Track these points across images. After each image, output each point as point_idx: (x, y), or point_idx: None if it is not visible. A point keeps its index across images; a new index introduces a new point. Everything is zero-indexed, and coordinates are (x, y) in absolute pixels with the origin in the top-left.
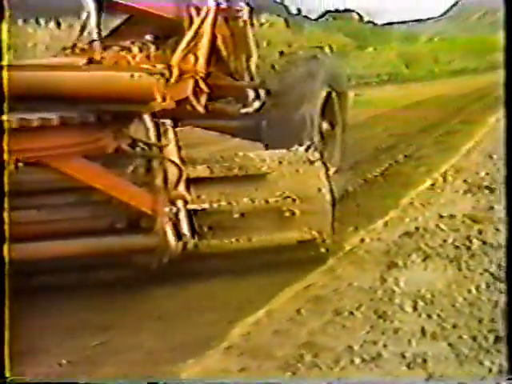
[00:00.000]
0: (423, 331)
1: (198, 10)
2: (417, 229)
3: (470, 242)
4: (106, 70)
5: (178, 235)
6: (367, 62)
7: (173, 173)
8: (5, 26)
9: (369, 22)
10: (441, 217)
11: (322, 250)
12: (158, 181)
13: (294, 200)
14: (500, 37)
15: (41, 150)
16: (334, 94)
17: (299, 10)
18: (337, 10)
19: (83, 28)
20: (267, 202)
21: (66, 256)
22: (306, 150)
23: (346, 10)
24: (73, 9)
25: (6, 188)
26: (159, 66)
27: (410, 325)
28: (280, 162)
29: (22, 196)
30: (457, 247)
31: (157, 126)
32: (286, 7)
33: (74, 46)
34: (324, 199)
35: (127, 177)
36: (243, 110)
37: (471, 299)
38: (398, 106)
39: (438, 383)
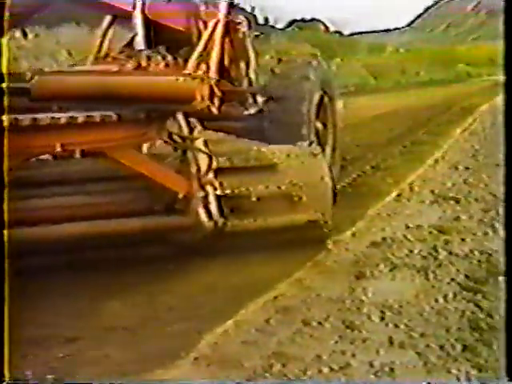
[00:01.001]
0: (391, 340)
1: (205, 23)
2: (384, 239)
3: (437, 252)
4: (154, 75)
5: (209, 216)
6: (334, 72)
7: (203, 162)
8: (4, 40)
9: (335, 32)
10: (408, 227)
11: (325, 230)
12: (192, 169)
13: (300, 187)
14: (463, 49)
15: (102, 142)
16: (326, 98)
17: (266, 20)
18: (303, 20)
19: (104, 36)
20: (279, 188)
21: (114, 234)
22: (310, 144)
23: (313, 20)
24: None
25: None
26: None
27: (378, 334)
28: (288, 155)
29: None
30: (424, 257)
31: (188, 123)
32: (254, 16)
33: (107, 55)
34: (326, 186)
35: (167, 165)
36: (246, 112)
37: (439, 308)
38: (365, 116)
39: None
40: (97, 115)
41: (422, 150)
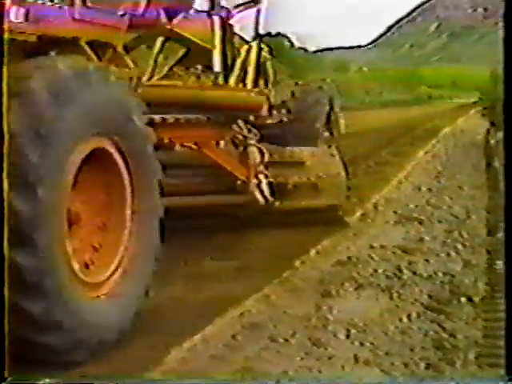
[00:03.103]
0: (356, 358)
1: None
2: (349, 258)
3: (401, 272)
4: (230, 90)
5: (263, 196)
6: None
7: (257, 156)
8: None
9: (300, 48)
10: (372, 247)
11: (340, 213)
12: (251, 160)
13: (323, 179)
14: (426, 70)
15: (196, 138)
16: (332, 113)
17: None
18: (269, 34)
19: (156, 58)
20: (308, 178)
21: (192, 207)
22: (328, 147)
23: (278, 34)
24: None
25: None
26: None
27: (343, 351)
28: (313, 155)
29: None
30: (388, 277)
31: (246, 125)
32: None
33: (174, 73)
34: (342, 179)
35: (233, 157)
36: (268, 121)
37: (403, 328)
38: None
39: None
40: (193, 117)
41: (385, 170)
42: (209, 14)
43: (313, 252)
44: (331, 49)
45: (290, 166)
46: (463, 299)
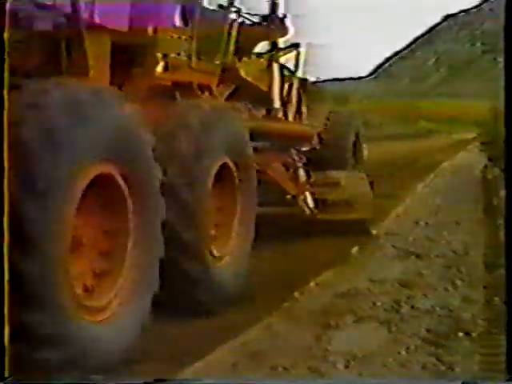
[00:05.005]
0: None
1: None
2: (349, 291)
3: (400, 306)
4: (288, 124)
5: (308, 208)
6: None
7: (304, 176)
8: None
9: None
10: (371, 280)
11: (367, 225)
12: (299, 180)
13: (355, 197)
14: (425, 104)
15: (260, 160)
16: (357, 141)
17: None
18: None
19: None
20: (343, 196)
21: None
22: (359, 171)
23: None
24: None
25: None
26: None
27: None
28: (346, 177)
29: None
30: (387, 310)
31: (298, 152)
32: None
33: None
34: (369, 198)
35: (287, 177)
36: (304, 148)
37: (401, 360)
38: None
39: None
40: (259, 144)
41: (384, 203)
42: (270, 61)
43: (312, 284)
44: (331, 80)
45: (329, 185)
46: (461, 334)
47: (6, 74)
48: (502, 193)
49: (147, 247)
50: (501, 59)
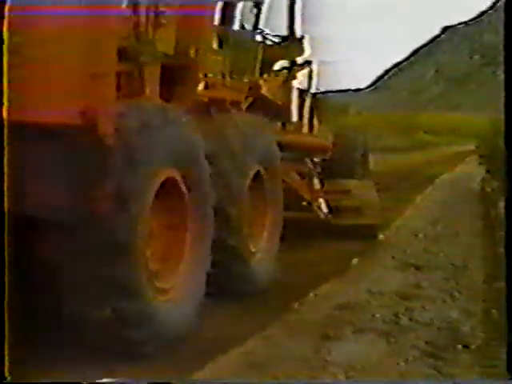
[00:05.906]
0: None
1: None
2: (348, 302)
3: (399, 318)
4: (305, 136)
5: (323, 214)
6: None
7: (318, 183)
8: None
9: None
10: (370, 292)
11: (376, 229)
12: (314, 187)
13: (364, 203)
14: (424, 116)
15: (284, 169)
16: (364, 155)
17: None
18: None
19: None
20: (354, 203)
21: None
22: (368, 180)
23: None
24: None
25: None
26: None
27: None
28: (356, 186)
29: None
30: (386, 322)
31: (312, 162)
32: None
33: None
34: (377, 204)
35: (303, 184)
36: (315, 159)
37: (400, 371)
38: None
39: None
40: (284, 155)
41: (384, 215)
42: (287, 78)
43: (311, 295)
44: (331, 91)
45: (341, 193)
46: (459, 346)
47: (5, 69)
48: (501, 205)
49: (201, 234)
50: (500, 72)
